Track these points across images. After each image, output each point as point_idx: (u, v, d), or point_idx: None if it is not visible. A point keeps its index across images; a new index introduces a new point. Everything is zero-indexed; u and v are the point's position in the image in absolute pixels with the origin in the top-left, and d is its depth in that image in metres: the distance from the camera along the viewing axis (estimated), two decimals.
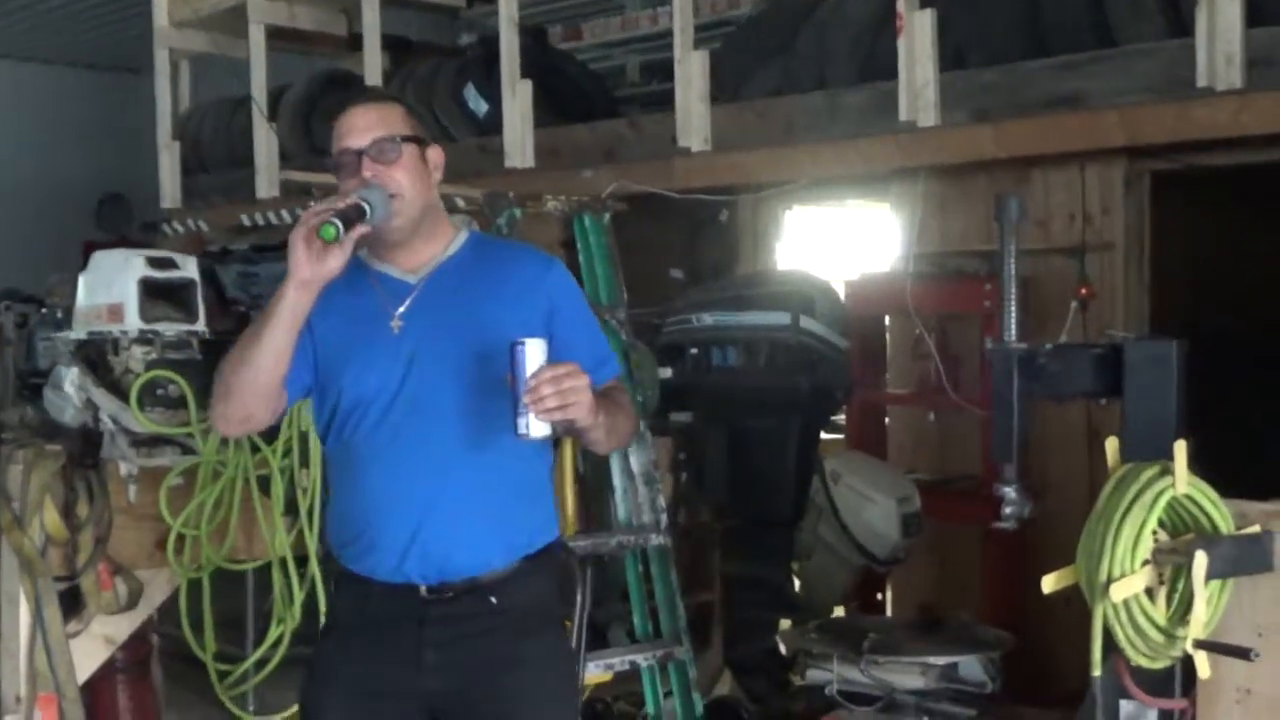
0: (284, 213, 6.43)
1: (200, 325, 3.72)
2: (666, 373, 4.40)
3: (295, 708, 3.72)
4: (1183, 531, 2.70)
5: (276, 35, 6.83)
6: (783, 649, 4.49)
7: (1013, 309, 2.98)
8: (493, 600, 2.41)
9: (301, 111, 6.84)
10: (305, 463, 3.62)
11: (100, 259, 3.74)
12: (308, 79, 7.02)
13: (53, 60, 10.15)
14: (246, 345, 2.33)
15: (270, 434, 3.62)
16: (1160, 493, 2.63)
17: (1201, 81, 3.92)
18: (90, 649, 3.59)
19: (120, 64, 10.10)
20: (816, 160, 5.03)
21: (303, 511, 3.62)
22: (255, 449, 3.63)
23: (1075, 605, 2.77)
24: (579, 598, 3.56)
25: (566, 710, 2.54)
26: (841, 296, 4.84)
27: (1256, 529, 2.70)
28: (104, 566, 3.54)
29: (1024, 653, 4.24)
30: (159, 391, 3.58)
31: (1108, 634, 2.65)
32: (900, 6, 4.49)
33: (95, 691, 3.93)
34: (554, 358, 2.26)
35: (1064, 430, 4.71)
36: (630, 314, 4.26)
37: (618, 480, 4.04)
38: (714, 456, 4.53)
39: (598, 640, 3.95)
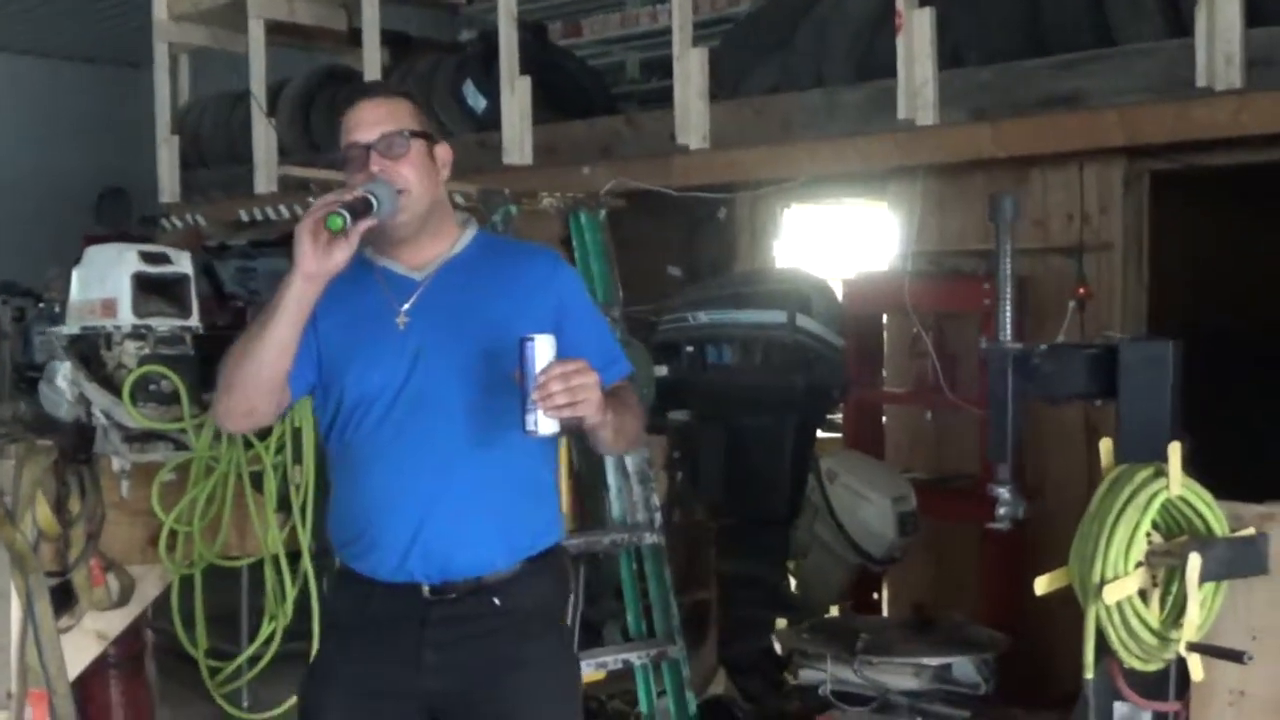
0: (282, 208, 6.42)
1: (194, 321, 3.71)
2: (662, 371, 4.40)
3: (289, 704, 3.73)
4: (1177, 533, 2.69)
5: (276, 30, 6.81)
6: (778, 648, 4.48)
7: (1008, 309, 2.97)
8: (496, 601, 2.39)
9: (300, 107, 6.83)
10: (298, 459, 3.61)
11: (94, 254, 3.73)
12: (307, 74, 7.00)
13: (52, 54, 10.14)
14: (250, 339, 2.31)
15: (263, 430, 3.61)
16: (1154, 494, 2.63)
17: (1201, 81, 3.90)
18: (82, 645, 3.58)
19: (120, 58, 10.09)
20: (815, 158, 5.01)
21: (295, 508, 3.61)
22: (248, 445, 3.62)
23: (1072, 605, 2.76)
24: (571, 596, 3.55)
25: (567, 712, 2.52)
26: (838, 295, 4.83)
27: (1251, 531, 2.70)
28: (96, 562, 3.53)
29: (1021, 653, 4.23)
30: (152, 387, 3.57)
31: (1101, 636, 2.65)
32: (899, 4, 4.47)
33: (88, 687, 3.92)
34: (563, 356, 2.24)
35: (1062, 429, 4.70)
36: (627, 311, 4.25)
37: (612, 478, 4.03)
38: (709, 455, 4.52)
39: (592, 639, 3.94)
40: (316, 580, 3.65)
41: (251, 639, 3.89)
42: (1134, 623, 2.63)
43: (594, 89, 6.50)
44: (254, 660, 3.86)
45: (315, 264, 2.24)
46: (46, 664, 3.37)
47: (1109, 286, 4.86)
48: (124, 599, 3.60)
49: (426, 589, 2.37)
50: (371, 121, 2.39)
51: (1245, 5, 3.81)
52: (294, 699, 3.62)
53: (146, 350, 3.62)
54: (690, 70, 5.10)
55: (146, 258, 3.67)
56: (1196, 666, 2.66)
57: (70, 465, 3.54)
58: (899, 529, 4.56)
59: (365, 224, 2.26)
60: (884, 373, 5.55)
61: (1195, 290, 5.44)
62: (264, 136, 6.64)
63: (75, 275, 3.73)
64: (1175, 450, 2.65)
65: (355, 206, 2.25)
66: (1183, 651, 2.65)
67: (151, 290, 3.68)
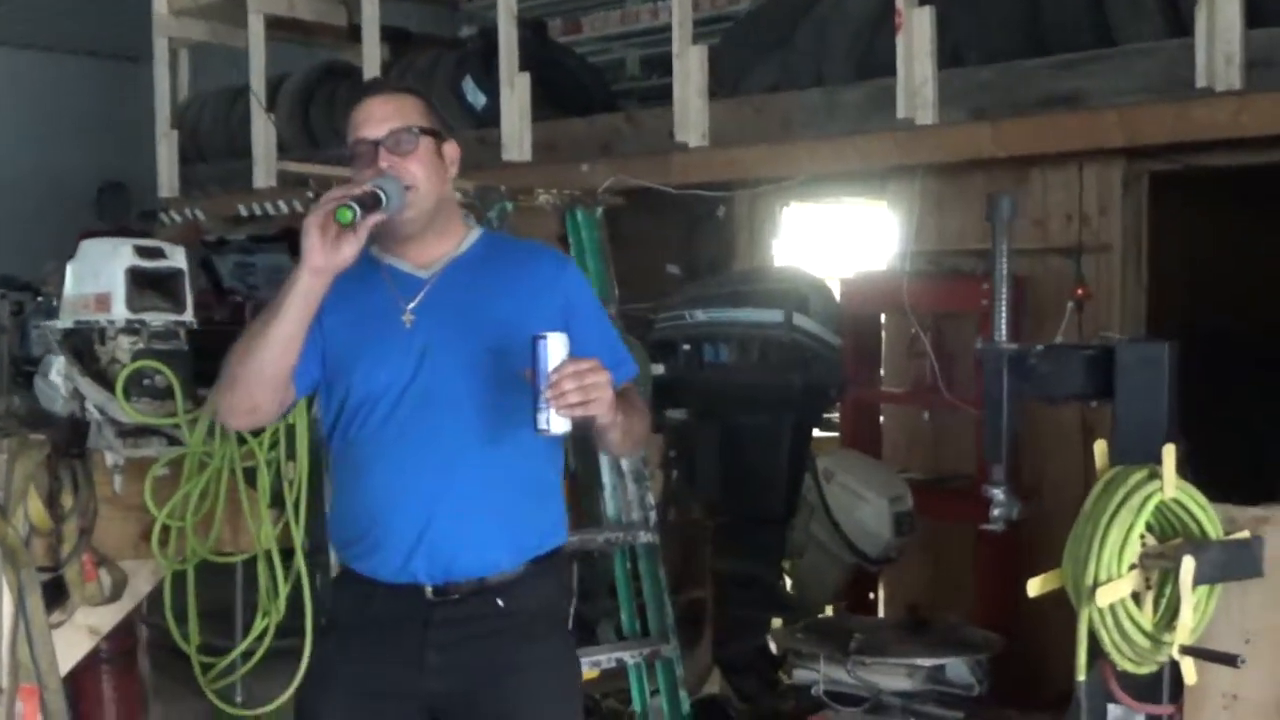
0: (281, 203, 6.42)
1: (188, 316, 3.70)
2: (659, 369, 4.39)
3: (281, 700, 3.73)
4: (1171, 536, 2.68)
5: (276, 25, 6.81)
6: (773, 648, 4.47)
7: (1004, 309, 2.96)
8: (500, 603, 2.38)
9: (300, 102, 6.82)
10: (292, 455, 3.60)
11: (88, 248, 3.72)
12: (306, 70, 7.00)
13: (52, 48, 10.12)
14: (255, 334, 2.30)
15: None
16: (1148, 496, 2.62)
17: (1201, 82, 3.90)
18: (74, 640, 3.57)
19: (120, 52, 10.07)
20: (814, 157, 5.01)
21: (288, 504, 3.60)
22: (242, 440, 3.61)
23: (1067, 607, 2.74)
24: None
25: (569, 714, 2.51)
26: (836, 294, 4.82)
27: (1245, 534, 2.68)
28: (88, 557, 3.52)
29: (1016, 654, 4.22)
30: (145, 382, 3.55)
31: (1094, 638, 2.63)
32: (899, 3, 4.46)
33: (80, 683, 3.92)
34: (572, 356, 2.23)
35: (1059, 430, 4.69)
36: (624, 309, 4.24)
37: (607, 477, 4.02)
38: (706, 453, 4.51)
39: (586, 637, 3.93)
40: (309, 577, 3.65)
41: (246, 635, 3.88)
42: (1127, 625, 2.62)
43: (594, 86, 6.49)
44: (246, 656, 3.85)
45: (323, 258, 2.23)
46: (38, 659, 3.36)
47: (1108, 287, 4.85)
48: (116, 594, 3.60)
49: (430, 590, 2.36)
50: (380, 117, 2.38)
51: (1245, 6, 3.80)
52: (287, 695, 3.63)
53: (140, 345, 3.61)
54: (690, 68, 5.09)
55: (141, 252, 3.66)
56: (1190, 670, 2.65)
57: (63, 460, 3.53)
58: (895, 529, 4.55)
59: (374, 219, 2.25)
60: (882, 372, 5.54)
61: (1194, 291, 5.43)
62: (263, 132, 6.64)
63: (69, 269, 3.72)
64: (1170, 452, 2.64)
65: (364, 201, 2.24)
66: (1176, 655, 2.63)
67: (146, 285, 3.66)
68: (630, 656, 3.92)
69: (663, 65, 5.75)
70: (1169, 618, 2.63)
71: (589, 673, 3.82)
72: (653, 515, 4.02)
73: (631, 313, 4.52)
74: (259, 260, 6.04)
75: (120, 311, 3.59)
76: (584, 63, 6.82)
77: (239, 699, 4.19)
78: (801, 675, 3.94)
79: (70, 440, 3.57)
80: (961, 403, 4.78)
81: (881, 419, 5.58)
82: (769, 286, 4.56)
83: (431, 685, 2.37)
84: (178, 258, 3.72)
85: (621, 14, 7.44)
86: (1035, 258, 4.90)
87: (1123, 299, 4.87)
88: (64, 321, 3.70)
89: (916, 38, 4.44)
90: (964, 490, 4.94)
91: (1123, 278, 4.88)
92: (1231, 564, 2.65)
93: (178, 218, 7.09)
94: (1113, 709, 2.77)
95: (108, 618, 3.64)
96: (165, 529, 3.60)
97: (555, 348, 2.20)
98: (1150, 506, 2.62)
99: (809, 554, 4.66)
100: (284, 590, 3.67)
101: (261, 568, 3.72)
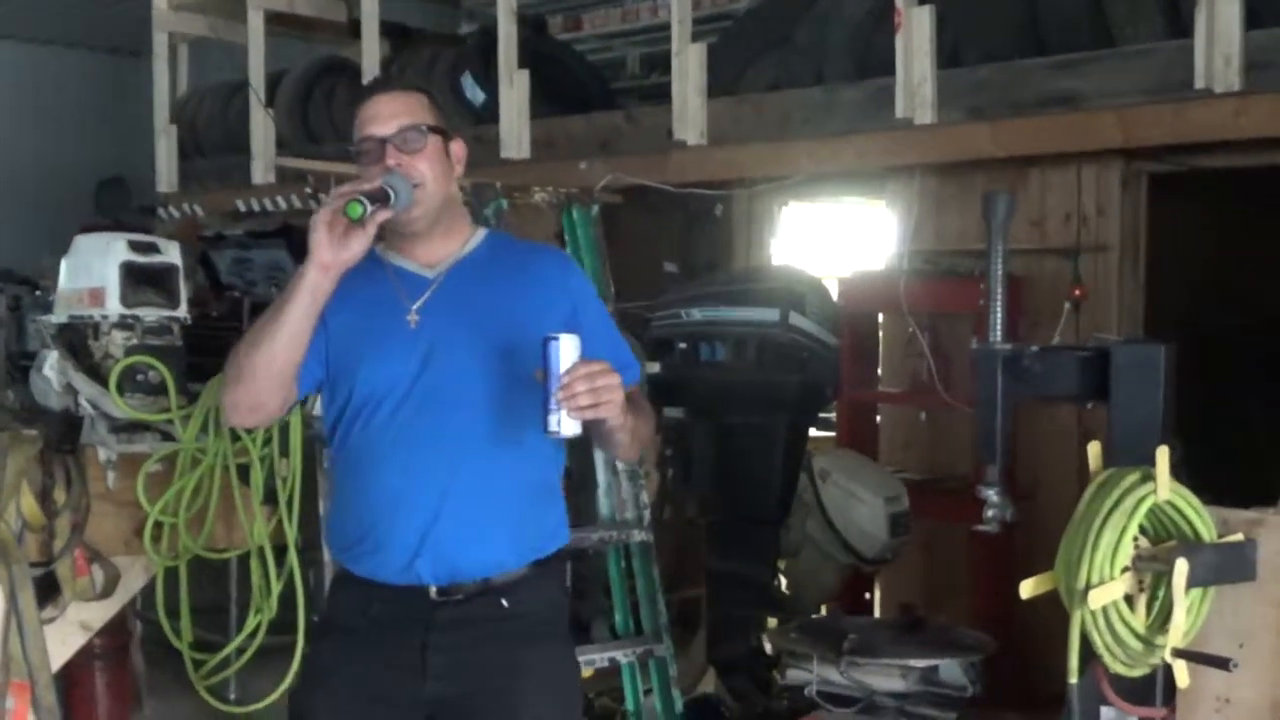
0: (279, 199, 6.41)
1: (182, 311, 3.70)
2: (655, 367, 4.38)
3: (273, 697, 3.72)
4: (1164, 538, 2.67)
5: (275, 20, 6.80)
6: (768, 647, 4.46)
7: (999, 309, 2.94)
8: (504, 603, 2.37)
9: (299, 98, 6.82)
10: (285, 452, 3.59)
11: (82, 242, 3.72)
12: (305, 65, 6.99)
13: (53, 42, 10.12)
14: (261, 329, 2.28)
15: None
16: (1141, 499, 2.60)
17: (1200, 83, 3.89)
18: (66, 635, 3.57)
19: (120, 47, 10.06)
20: (812, 156, 5.00)
21: (281, 501, 3.60)
22: (235, 437, 3.61)
23: (1062, 608, 2.73)
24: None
25: (569, 716, 2.49)
26: (833, 294, 4.81)
27: (1239, 537, 2.67)
28: (80, 553, 3.52)
29: (1013, 654, 4.21)
30: (139, 377, 3.56)
31: (1086, 641, 2.62)
32: (899, 3, 4.45)
33: (73, 678, 3.92)
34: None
35: (1055, 431, 4.68)
36: (621, 307, 4.23)
37: (601, 475, 4.02)
38: (701, 452, 4.50)
39: (580, 636, 3.92)
40: (302, 574, 3.65)
41: (240, 631, 3.88)
42: (1119, 628, 2.61)
43: (593, 84, 6.49)
44: (239, 653, 3.84)
45: (331, 253, 2.22)
46: (29, 655, 3.35)
47: (1106, 288, 4.84)
48: (108, 590, 3.60)
49: (434, 590, 2.34)
50: (388, 115, 2.36)
51: (1244, 7, 3.79)
52: (279, 692, 3.63)
53: (134, 340, 3.61)
54: (689, 66, 5.08)
55: (135, 247, 3.66)
56: (1182, 673, 2.64)
57: (56, 455, 3.53)
58: (891, 529, 4.53)
59: (383, 215, 2.24)
60: (879, 372, 5.53)
61: (1192, 292, 5.42)
62: (262, 127, 6.64)
63: (64, 264, 3.72)
64: (1163, 454, 2.62)
65: (373, 197, 2.23)
66: (1168, 658, 2.62)
67: (140, 280, 3.67)
68: (624, 655, 3.92)
69: (664, 63, 5.74)
70: (1162, 620, 2.62)
71: (583, 672, 3.81)
72: (647, 514, 4.01)
73: (629, 311, 4.51)
74: (256, 256, 6.04)
75: (114, 306, 3.59)
76: (583, 60, 6.81)
77: (232, 696, 4.19)
78: (795, 675, 3.92)
79: (63, 435, 3.57)
80: (958, 403, 4.77)
81: (878, 419, 5.57)
82: (766, 285, 4.55)
83: (433, 687, 2.34)
84: (172, 253, 3.72)
85: (622, 12, 7.43)
86: (1033, 258, 4.89)
87: (1120, 299, 4.86)
88: (58, 316, 3.70)
89: (916, 37, 4.43)
90: (960, 491, 4.94)
91: (1120, 278, 4.86)
92: (1225, 567, 2.64)
93: (176, 213, 7.08)
94: (1105, 711, 2.77)
95: (100, 613, 3.64)
96: (158, 525, 3.60)
97: (567, 349, 2.19)
98: (1143, 509, 2.60)
99: (805, 554, 4.65)
100: (276, 587, 3.66)
101: (254, 564, 3.72)
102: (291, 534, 3.61)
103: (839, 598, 4.93)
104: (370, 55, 6.22)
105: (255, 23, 6.68)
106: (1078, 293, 4.65)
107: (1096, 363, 2.88)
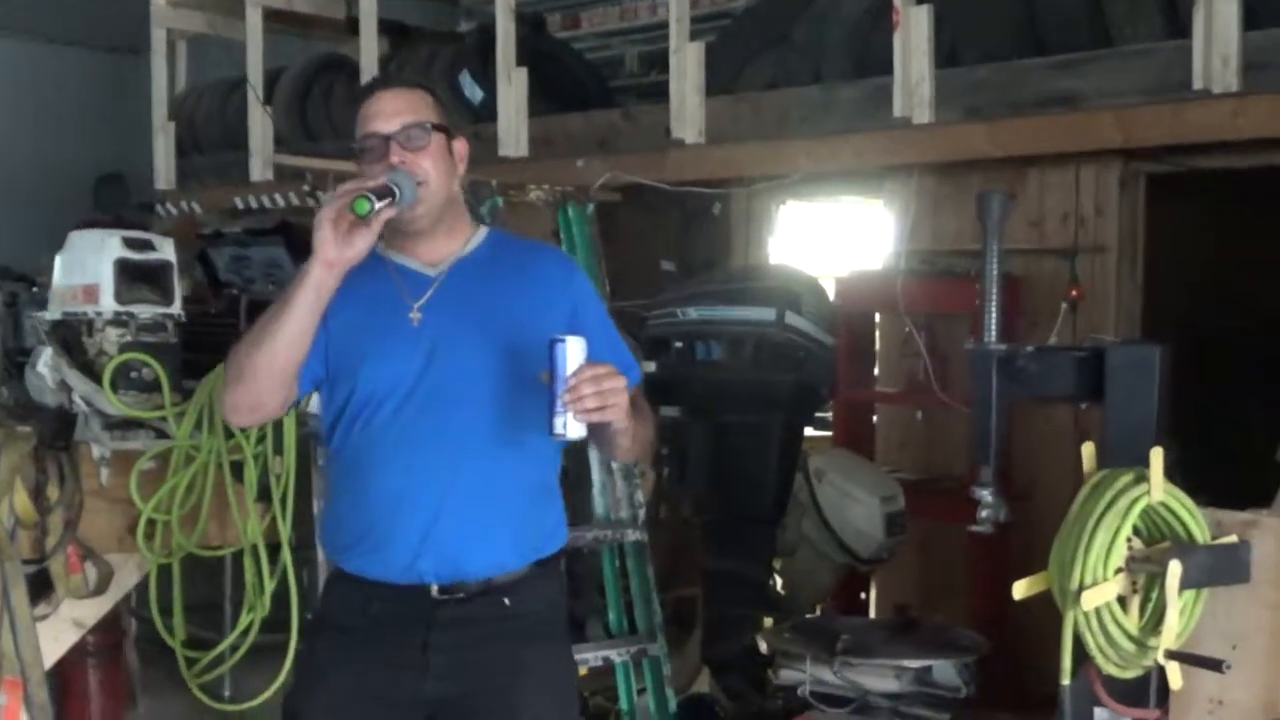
0: (277, 197, 6.39)
1: (176, 308, 3.69)
2: (650, 366, 4.37)
3: (266, 694, 3.72)
4: (1158, 540, 2.66)
5: (274, 18, 6.79)
6: (762, 647, 4.45)
7: (994, 309, 2.93)
8: (506, 603, 2.37)
9: (297, 95, 6.81)
10: (279, 449, 3.59)
11: (77, 239, 3.72)
12: (304, 63, 6.98)
13: (51, 39, 10.11)
14: (263, 328, 2.27)
15: None
16: (1135, 500, 2.60)
17: (1198, 84, 3.88)
18: (59, 633, 3.57)
19: (119, 44, 10.06)
20: (810, 155, 4.99)
21: (275, 499, 3.60)
22: (229, 434, 3.60)
23: (1056, 609, 2.72)
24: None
25: (567, 716, 2.49)
26: (830, 293, 4.80)
27: (1233, 538, 2.66)
28: (73, 550, 3.52)
29: (1005, 655, 4.20)
30: (133, 374, 3.56)
31: (1079, 642, 2.62)
32: (897, 2, 4.45)
33: (66, 675, 3.92)
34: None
35: (1051, 430, 4.67)
36: (618, 306, 4.22)
37: (596, 474, 4.02)
38: (697, 451, 4.49)
39: (574, 634, 3.91)
40: (296, 572, 3.64)
41: (234, 629, 3.88)
42: (1112, 629, 2.60)
43: (591, 82, 6.48)
44: (233, 650, 3.84)
45: (335, 252, 2.21)
46: (21, 651, 3.35)
47: (1103, 288, 4.83)
48: (101, 587, 3.60)
49: (435, 589, 2.33)
50: (392, 112, 2.35)
51: (1243, 8, 3.78)
52: (272, 690, 3.63)
53: (128, 337, 3.61)
54: (686, 64, 5.08)
55: (130, 244, 3.66)
56: (1175, 675, 2.63)
57: (50, 452, 3.53)
58: (887, 529, 4.52)
59: (389, 212, 2.24)
60: (876, 372, 5.52)
61: (1190, 293, 5.41)
62: (260, 124, 6.63)
63: (58, 260, 3.71)
64: (1157, 455, 2.62)
65: (379, 194, 2.23)
66: (1161, 659, 2.61)
67: (135, 277, 3.66)
68: (617, 654, 3.92)
69: (662, 61, 5.73)
70: (1155, 622, 2.61)
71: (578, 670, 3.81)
72: (641, 513, 4.01)
73: (625, 310, 4.50)
74: (254, 253, 6.03)
75: (108, 303, 3.59)
76: (581, 58, 6.81)
77: (226, 693, 4.19)
78: (788, 675, 3.91)
79: (57, 432, 3.57)
80: (955, 403, 4.76)
81: (874, 418, 5.57)
82: (762, 284, 4.54)
83: (432, 688, 2.34)
84: (167, 250, 3.72)
85: (620, 10, 7.43)
86: (1031, 258, 4.88)
87: (1118, 300, 4.85)
88: (52, 313, 3.70)
89: (914, 36, 4.42)
90: (956, 491, 4.93)
91: (1118, 279, 4.86)
92: (1218, 569, 2.63)
93: (174, 210, 7.07)
94: (1098, 713, 2.76)
95: (93, 611, 3.64)
96: (151, 522, 3.60)
97: (574, 352, 2.18)
98: (1137, 510, 2.60)
99: (800, 553, 4.64)
100: (270, 585, 3.66)
101: (248, 562, 3.72)
102: (285, 532, 3.61)
103: (834, 597, 4.93)
104: (368, 53, 6.21)
105: (254, 20, 6.67)
106: (1075, 293, 4.64)
107: (1091, 363, 2.87)
